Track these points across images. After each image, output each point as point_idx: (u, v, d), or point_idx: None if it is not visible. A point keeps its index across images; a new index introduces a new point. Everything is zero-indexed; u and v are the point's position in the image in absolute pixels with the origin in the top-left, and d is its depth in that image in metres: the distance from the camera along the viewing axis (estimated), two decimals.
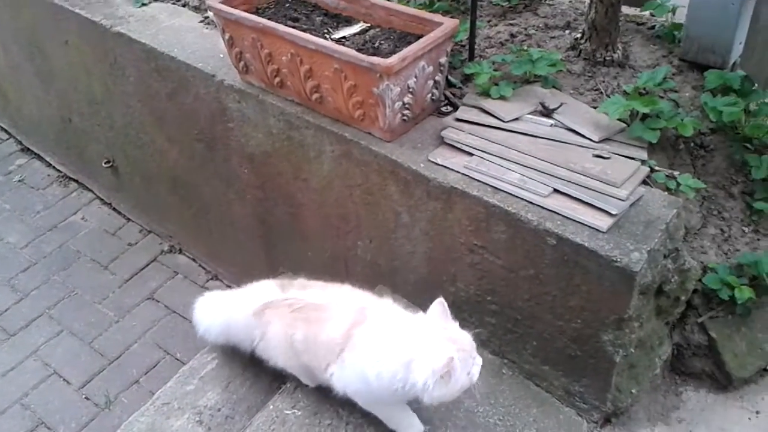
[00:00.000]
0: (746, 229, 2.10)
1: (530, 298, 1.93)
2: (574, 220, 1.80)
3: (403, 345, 1.63)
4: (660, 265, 1.78)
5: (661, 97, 2.19)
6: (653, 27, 2.47)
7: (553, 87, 2.21)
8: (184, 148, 2.82)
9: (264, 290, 1.98)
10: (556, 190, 1.88)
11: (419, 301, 2.18)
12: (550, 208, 1.84)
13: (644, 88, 2.12)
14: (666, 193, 1.91)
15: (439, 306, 1.69)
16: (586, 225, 1.79)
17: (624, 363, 1.86)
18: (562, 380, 1.95)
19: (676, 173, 1.99)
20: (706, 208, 2.13)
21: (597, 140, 1.99)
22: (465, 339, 1.66)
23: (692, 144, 2.17)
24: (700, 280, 1.97)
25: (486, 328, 2.06)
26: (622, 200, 1.82)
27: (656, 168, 1.98)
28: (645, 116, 2.05)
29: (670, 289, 1.87)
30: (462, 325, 2.07)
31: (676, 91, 2.23)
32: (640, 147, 2.00)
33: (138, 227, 3.46)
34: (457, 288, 2.08)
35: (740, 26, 2.19)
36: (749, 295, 1.92)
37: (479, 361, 1.66)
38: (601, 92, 2.20)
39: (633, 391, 1.93)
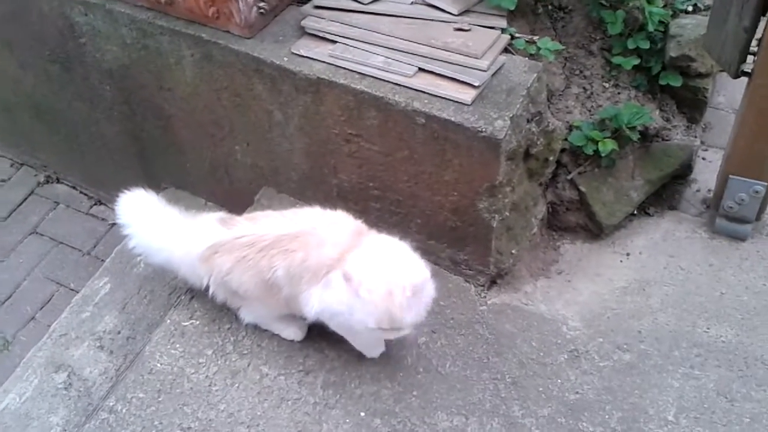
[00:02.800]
0: (607, 85, 2.19)
1: (408, 179, 1.97)
2: (440, 97, 1.83)
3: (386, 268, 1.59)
4: (524, 130, 1.85)
5: None
6: None
7: None
8: (39, 72, 2.62)
9: (205, 229, 1.80)
10: (421, 69, 1.88)
11: (305, 197, 2.21)
12: (417, 88, 1.85)
13: None
14: (527, 58, 1.96)
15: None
16: (451, 100, 1.82)
17: (502, 227, 1.95)
18: (447, 252, 2.04)
19: (536, 38, 2.02)
20: (569, 68, 2.19)
21: (457, 13, 1.99)
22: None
23: (551, 6, 2.21)
24: (566, 139, 2.06)
25: (372, 213, 2.10)
26: (484, 71, 1.85)
27: (516, 35, 2.01)
28: None
29: (537, 151, 1.95)
30: (349, 213, 2.12)
31: None
32: (499, 15, 2.01)
33: (8, 162, 3.25)
34: (339, 179, 2.09)
35: None
36: (612, 146, 2.03)
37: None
38: None
39: (513, 251, 2.04)
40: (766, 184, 1.94)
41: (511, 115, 1.77)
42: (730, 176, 1.97)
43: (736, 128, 1.91)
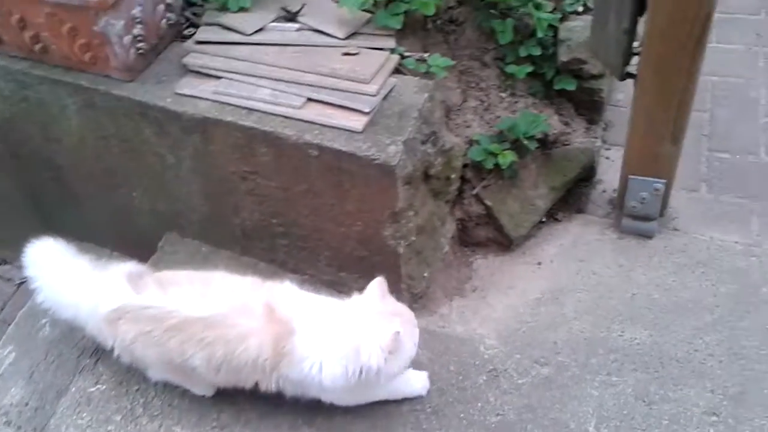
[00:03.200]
0: (504, 95, 2.19)
1: (310, 213, 1.92)
2: (331, 126, 1.78)
3: (343, 337, 1.53)
4: (420, 152, 1.82)
5: None
6: None
7: None
8: None
9: (111, 285, 1.64)
10: (309, 99, 1.83)
11: (210, 239, 2.14)
12: (307, 119, 1.80)
13: None
14: (418, 78, 1.93)
15: (377, 285, 1.61)
16: (342, 129, 1.77)
17: (409, 252, 1.92)
18: (359, 282, 1.97)
19: (426, 55, 2.00)
20: (465, 82, 2.18)
21: (344, 37, 1.94)
22: (405, 310, 1.63)
23: (440, 21, 2.18)
24: (466, 155, 2.05)
25: (279, 250, 2.04)
26: (373, 95, 1.81)
27: (406, 54, 1.97)
28: (391, 1, 2.02)
29: (436, 171, 1.92)
30: (256, 252, 2.05)
31: None
32: (388, 36, 1.97)
33: None
34: (241, 219, 2.02)
35: None
36: (512, 158, 2.03)
37: (417, 330, 1.63)
38: None
39: (425, 274, 2.01)
40: (664, 180, 1.96)
41: (404, 140, 1.74)
42: (630, 176, 1.98)
43: (629, 129, 1.92)
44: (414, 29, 2.11)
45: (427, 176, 1.90)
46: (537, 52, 2.12)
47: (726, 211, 2.15)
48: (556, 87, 2.15)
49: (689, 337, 1.88)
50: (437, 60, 1.97)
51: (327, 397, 1.65)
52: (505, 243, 2.15)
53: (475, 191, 2.09)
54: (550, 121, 2.18)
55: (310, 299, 1.65)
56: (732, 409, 1.73)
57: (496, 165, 2.03)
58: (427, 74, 1.97)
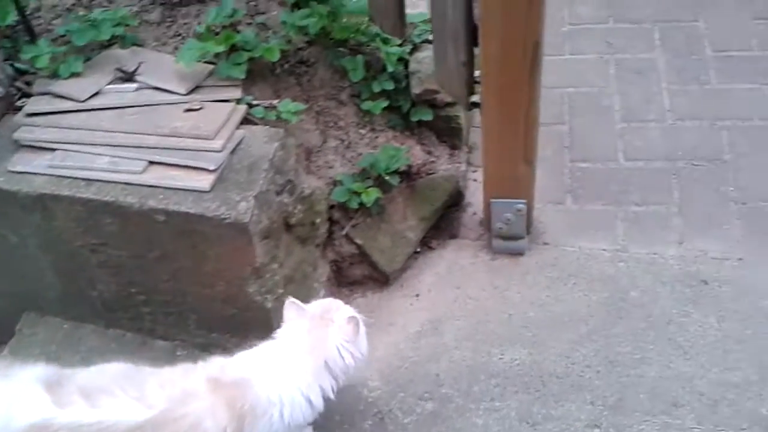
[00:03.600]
0: (363, 131, 2.17)
1: (169, 278, 1.84)
2: (177, 189, 1.71)
3: (300, 365, 1.52)
4: (275, 204, 1.77)
5: (249, 24, 2.12)
6: None
7: (134, 45, 2.03)
8: None
9: (27, 397, 1.40)
10: (151, 162, 1.76)
11: (70, 315, 2.02)
12: (149, 183, 1.72)
13: (222, 24, 2.02)
14: (268, 127, 1.88)
15: (290, 307, 1.59)
16: (189, 190, 1.70)
17: (279, 304, 1.85)
18: (233, 341, 1.92)
19: (276, 102, 1.96)
20: (323, 122, 2.15)
21: (185, 92, 1.88)
22: (330, 303, 1.65)
23: (290, 64, 2.14)
24: (330, 196, 2.01)
25: (145, 318, 1.95)
26: (219, 151, 1.75)
27: (255, 102, 1.93)
28: (234, 50, 1.97)
29: (298, 219, 1.88)
30: (121, 323, 1.94)
31: (263, 13, 2.17)
32: (233, 86, 1.92)
33: None
34: (99, 291, 1.91)
35: None
36: (376, 195, 2.01)
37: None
38: (185, 37, 2.07)
39: None
40: (525, 201, 1.99)
41: (255, 194, 1.68)
42: (492, 200, 2.00)
43: (483, 155, 1.94)
44: (263, 75, 2.06)
45: (288, 225, 1.86)
46: (390, 86, 2.12)
47: (592, 219, 2.20)
48: (413, 119, 2.16)
49: (567, 351, 1.91)
50: (288, 105, 1.93)
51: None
52: (381, 279, 2.12)
53: (344, 231, 2.06)
54: (413, 152, 2.18)
55: (243, 356, 1.57)
56: (612, 418, 1.76)
57: (362, 204, 2.01)
58: (280, 121, 1.93)
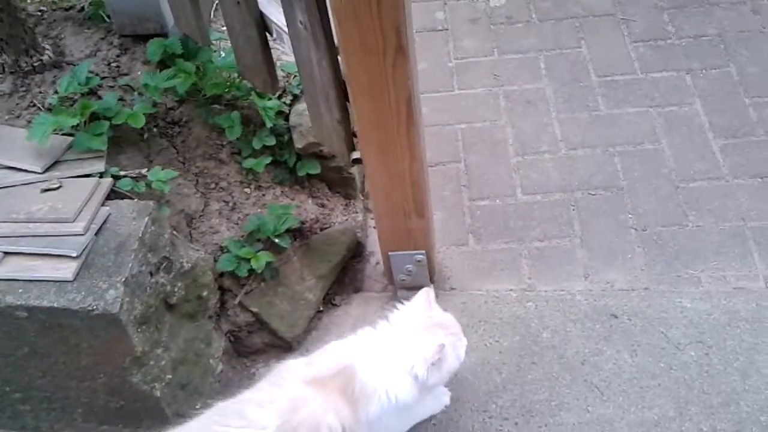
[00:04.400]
0: (249, 190, 2.04)
1: (45, 374, 1.65)
2: (37, 280, 1.53)
3: (395, 355, 1.52)
4: (150, 286, 1.61)
5: (112, 87, 1.96)
6: (83, 9, 2.18)
7: None
8: None
9: None
10: (6, 253, 1.57)
11: None
12: (6, 277, 1.54)
13: (77, 93, 1.85)
14: (136, 200, 1.72)
15: (424, 295, 1.61)
16: (51, 281, 1.52)
17: (170, 391, 1.69)
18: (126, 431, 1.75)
19: (145, 171, 1.80)
20: (203, 184, 2.00)
21: (42, 170, 1.70)
22: (451, 321, 1.63)
23: (161, 126, 1.99)
24: (216, 265, 1.87)
25: (26, 416, 1.75)
26: (81, 234, 1.58)
27: (122, 173, 1.77)
28: (94, 119, 1.81)
29: (180, 297, 1.72)
30: (2, 422, 1.75)
31: (126, 74, 2.01)
32: (96, 158, 1.76)
33: None
34: None
35: None
36: (267, 259, 1.87)
37: (465, 341, 1.64)
38: (40, 108, 1.89)
39: (198, 406, 1.78)
40: (423, 251, 1.90)
41: (124, 279, 1.52)
42: (390, 253, 1.90)
43: (374, 211, 1.84)
44: (131, 140, 1.91)
45: (170, 305, 1.70)
46: (271, 142, 2.00)
47: (496, 259, 2.13)
48: (300, 173, 2.04)
49: (483, 405, 1.82)
50: (158, 174, 1.78)
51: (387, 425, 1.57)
52: (284, 345, 1.97)
53: (237, 300, 1.91)
54: (305, 207, 2.06)
55: (335, 347, 1.58)
56: None
57: (252, 270, 1.87)
58: (151, 191, 1.77)
